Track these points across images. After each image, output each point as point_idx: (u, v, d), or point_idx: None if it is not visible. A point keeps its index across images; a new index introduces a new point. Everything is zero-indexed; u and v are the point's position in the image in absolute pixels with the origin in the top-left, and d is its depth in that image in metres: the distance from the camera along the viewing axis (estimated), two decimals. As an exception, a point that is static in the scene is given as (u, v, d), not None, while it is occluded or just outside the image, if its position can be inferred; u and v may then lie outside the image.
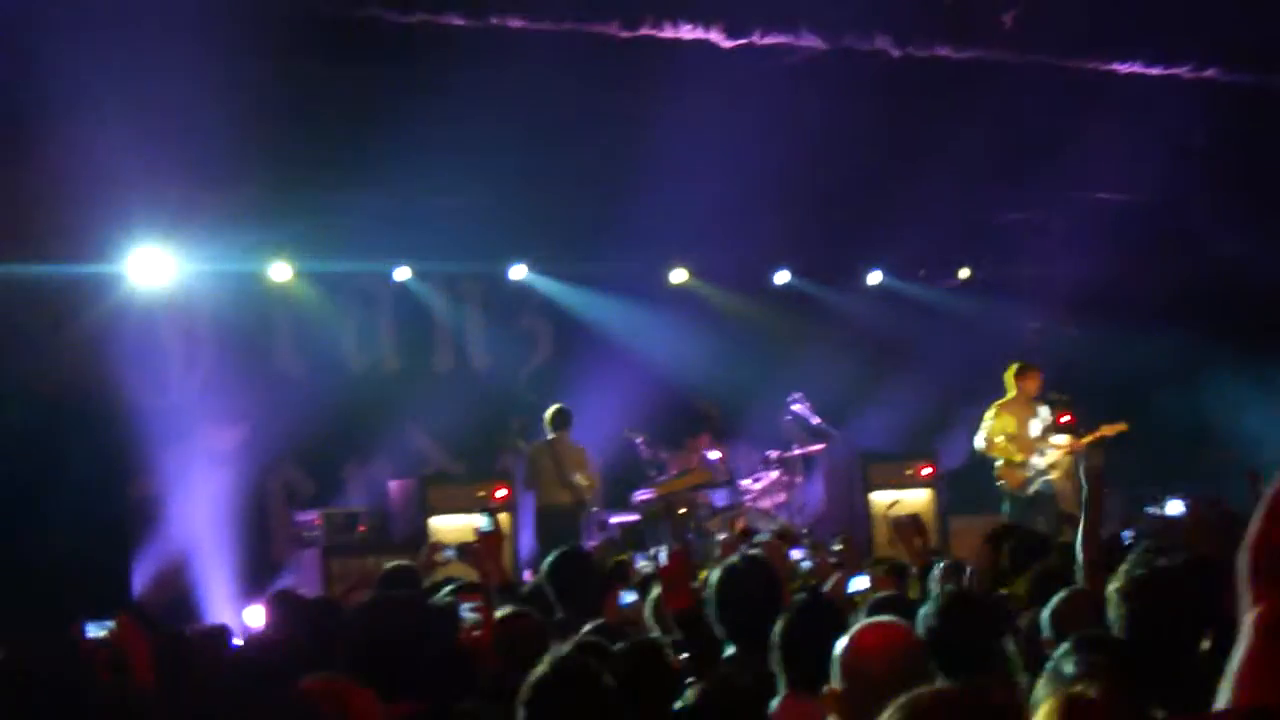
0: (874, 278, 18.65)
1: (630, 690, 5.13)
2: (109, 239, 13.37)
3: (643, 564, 9.67)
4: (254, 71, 12.40)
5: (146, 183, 13.28)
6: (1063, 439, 14.60)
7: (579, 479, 15.44)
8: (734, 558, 6.73)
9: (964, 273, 18.85)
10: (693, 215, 16.08)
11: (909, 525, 9.03)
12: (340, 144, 13.70)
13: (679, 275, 17.76)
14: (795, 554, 10.13)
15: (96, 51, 11.19)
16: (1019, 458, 14.76)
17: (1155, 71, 13.98)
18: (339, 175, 14.37)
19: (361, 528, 15.31)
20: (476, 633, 6.01)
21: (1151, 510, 13.25)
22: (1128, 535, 11.27)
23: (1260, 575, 2.50)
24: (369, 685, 4.82)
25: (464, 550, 8.16)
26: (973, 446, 15.48)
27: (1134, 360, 16.93)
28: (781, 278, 18.20)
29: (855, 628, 4.88)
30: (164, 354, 15.80)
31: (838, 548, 10.39)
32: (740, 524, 15.24)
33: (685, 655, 5.99)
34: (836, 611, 5.97)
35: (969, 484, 16.30)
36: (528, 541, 15.69)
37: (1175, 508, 9.42)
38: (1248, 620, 2.50)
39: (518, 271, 17.12)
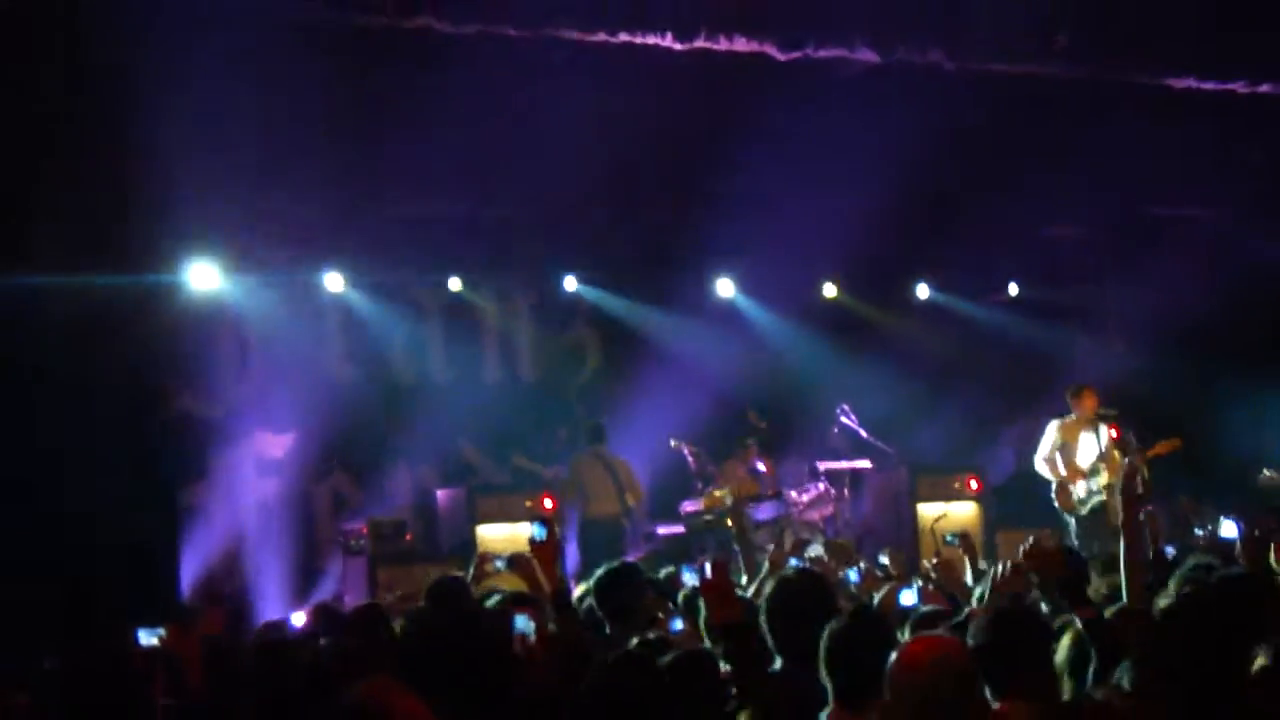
0: (922, 292, 18.60)
1: (678, 699, 5.12)
2: (166, 248, 13.48)
3: (688, 577, 9.65)
4: (309, 82, 12.46)
5: (202, 192, 13.39)
6: (1116, 455, 14.53)
7: (627, 492, 15.48)
8: (789, 570, 6.70)
9: (1013, 289, 18.75)
10: (744, 228, 16.13)
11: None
12: (394, 154, 13.75)
13: (726, 288, 17.74)
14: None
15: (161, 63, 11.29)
16: (1068, 479, 14.72)
17: (1209, 86, 13.92)
18: (393, 186, 14.43)
19: (409, 536, 15.33)
20: (531, 641, 6.02)
21: (1200, 531, 13.16)
22: (1171, 550, 11.22)
23: None
24: (418, 692, 4.84)
25: (514, 561, 8.11)
26: (1017, 461, 15.44)
27: (1189, 381, 16.79)
28: (830, 291, 18.16)
29: (906, 641, 4.86)
30: (217, 362, 15.90)
31: (885, 561, 10.36)
32: (788, 537, 15.22)
33: (730, 668, 5.98)
34: (885, 624, 5.95)
35: (1016, 498, 16.23)
36: (572, 553, 15.70)
37: (1229, 529, 9.31)
38: None
39: (569, 283, 17.17)
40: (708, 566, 6.69)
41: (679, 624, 7.66)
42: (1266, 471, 15.68)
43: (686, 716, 5.21)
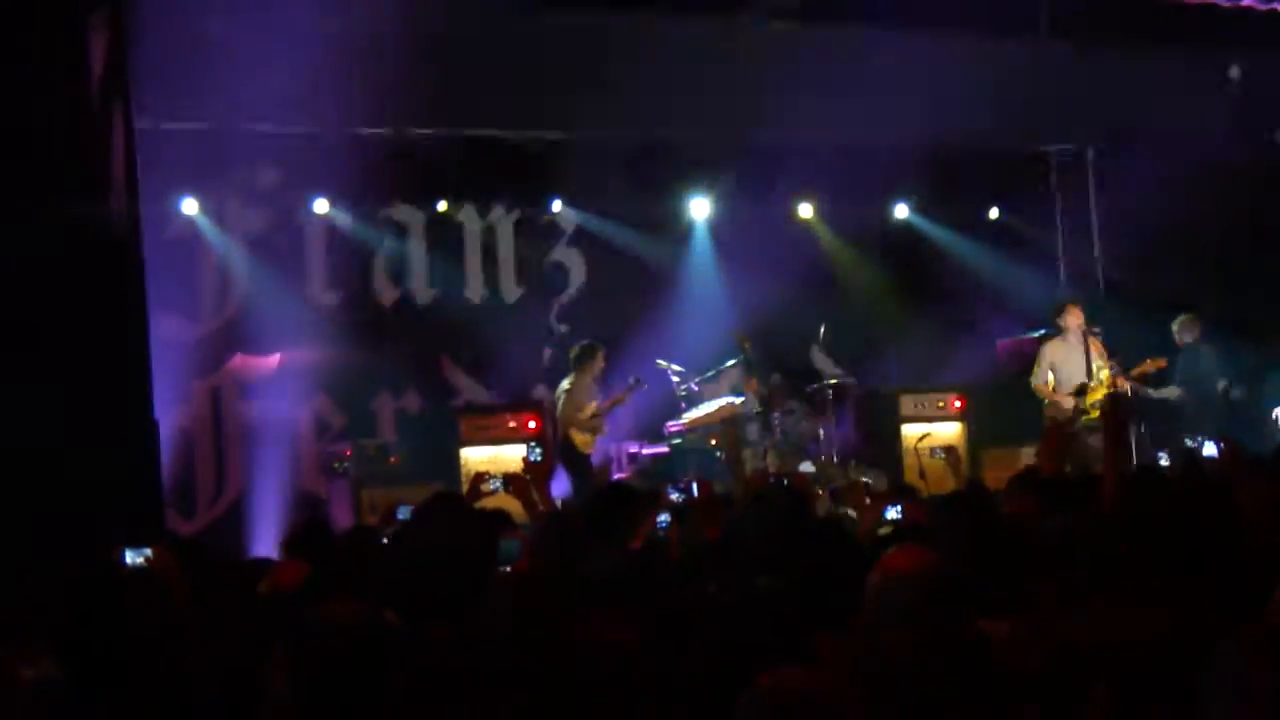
0: (900, 211, 18.61)
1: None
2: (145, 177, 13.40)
3: (674, 496, 9.67)
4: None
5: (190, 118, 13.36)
6: (1106, 375, 14.56)
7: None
8: (768, 488, 6.71)
9: (994, 212, 18.77)
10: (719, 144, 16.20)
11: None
12: (381, 79, 13.66)
13: (701, 208, 17.78)
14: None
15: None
16: (1058, 399, 14.75)
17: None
18: (370, 107, 14.38)
19: (393, 459, 15.36)
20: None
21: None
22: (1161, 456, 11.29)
23: None
24: (400, 607, 4.84)
25: (510, 480, 8.09)
26: (999, 379, 15.52)
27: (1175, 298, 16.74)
28: (805, 212, 18.18)
29: (886, 554, 4.84)
30: (197, 286, 15.89)
31: (869, 481, 10.40)
32: (772, 456, 15.27)
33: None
34: (859, 543, 5.95)
35: (1001, 417, 16.26)
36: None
37: (1209, 449, 9.40)
38: None
39: (554, 205, 17.21)
40: (694, 485, 6.71)
41: (663, 517, 7.68)
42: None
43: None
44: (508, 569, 6.21)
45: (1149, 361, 15.05)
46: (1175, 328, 15.85)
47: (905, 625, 4.52)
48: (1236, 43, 14.88)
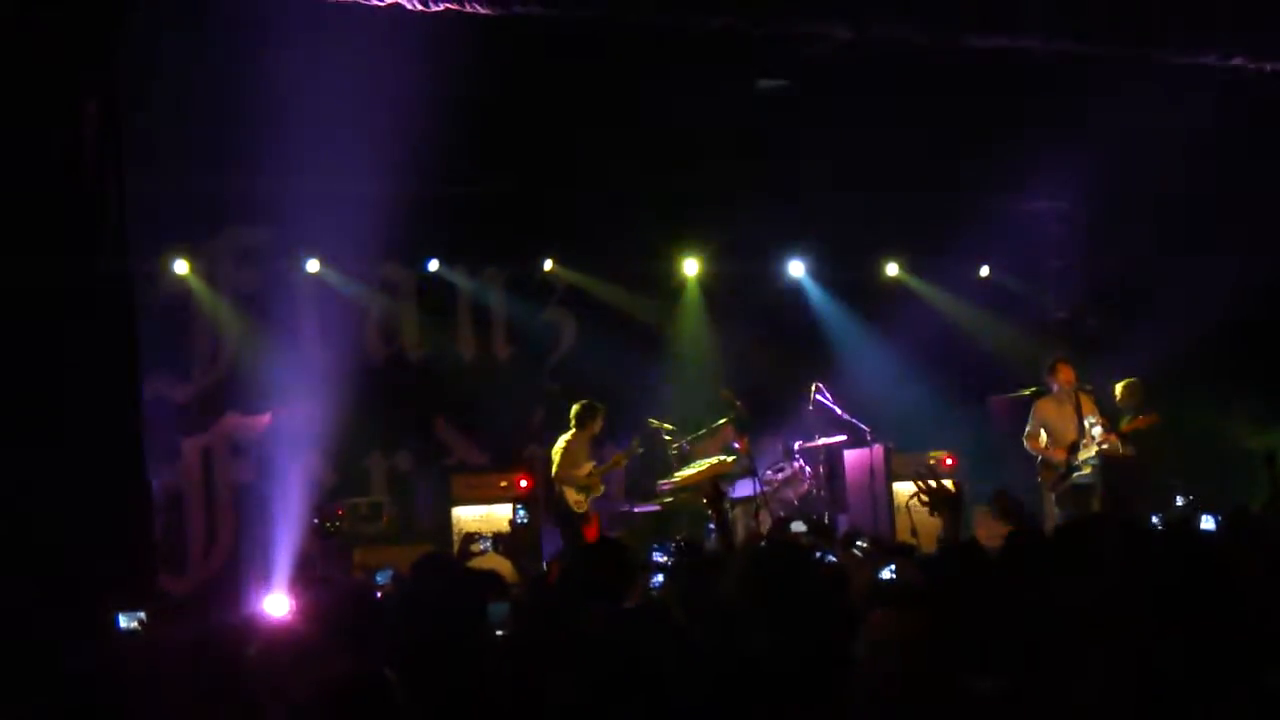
0: (891, 269, 18.71)
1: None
2: (137, 234, 13.45)
3: (660, 558, 9.58)
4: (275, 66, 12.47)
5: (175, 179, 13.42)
6: (1099, 431, 14.55)
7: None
8: (763, 545, 6.69)
9: (984, 270, 18.89)
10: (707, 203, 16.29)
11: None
12: (372, 140, 13.71)
13: (691, 267, 17.87)
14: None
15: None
16: (1051, 456, 14.74)
17: (1181, 61, 13.90)
18: (366, 166, 14.44)
19: (385, 518, 15.33)
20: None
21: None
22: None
23: None
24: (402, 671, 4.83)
25: (500, 541, 8.08)
26: (992, 435, 15.51)
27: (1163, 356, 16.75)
28: (796, 270, 18.28)
29: (874, 616, 4.83)
30: (189, 345, 15.91)
31: (863, 545, 10.37)
32: (764, 515, 15.25)
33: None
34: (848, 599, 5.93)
35: (993, 475, 16.24)
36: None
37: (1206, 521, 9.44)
38: None
39: (544, 264, 17.29)
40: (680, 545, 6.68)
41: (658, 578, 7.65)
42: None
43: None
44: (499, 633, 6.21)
45: (1140, 417, 15.06)
46: (1118, 390, 15.72)
47: (895, 687, 4.52)
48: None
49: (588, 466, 15.33)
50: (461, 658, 5.17)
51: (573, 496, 15.23)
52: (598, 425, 15.45)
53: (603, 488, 15.62)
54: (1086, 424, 14.61)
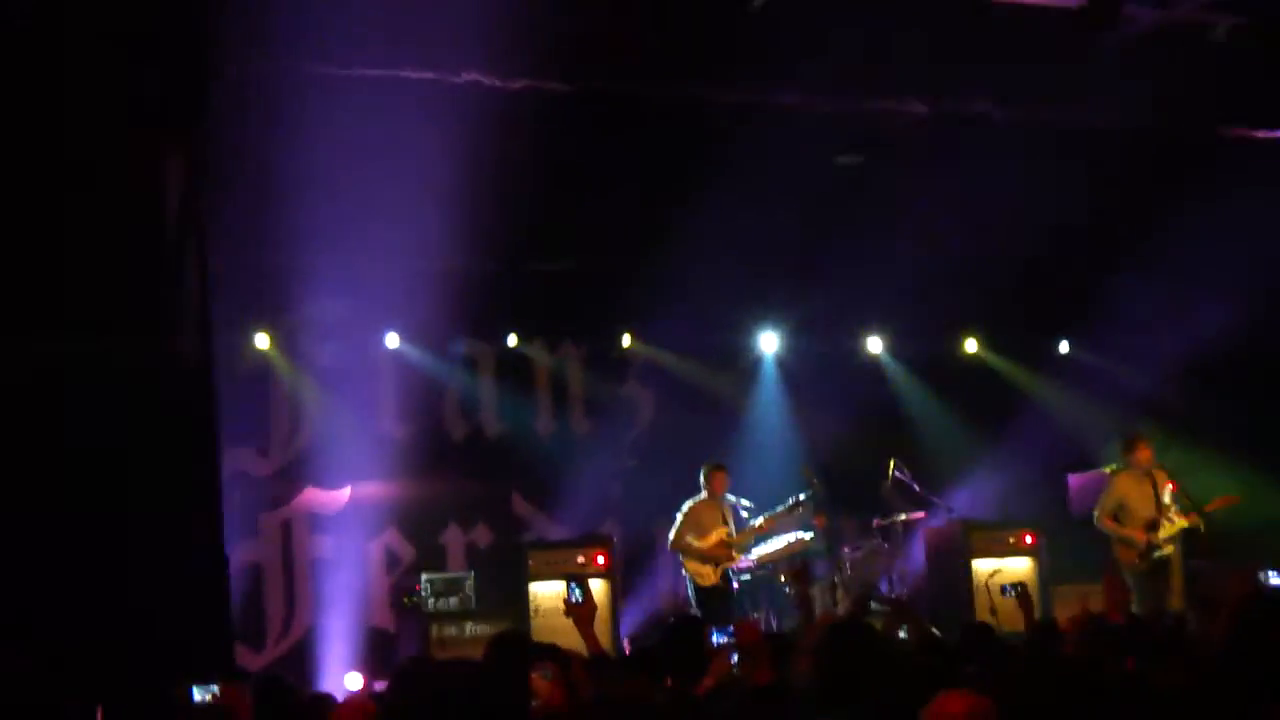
0: (970, 345, 18.67)
1: None
2: (217, 312, 13.61)
3: (719, 640, 9.46)
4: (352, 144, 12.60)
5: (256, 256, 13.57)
6: (1175, 510, 14.39)
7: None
8: (842, 621, 6.65)
9: (1064, 347, 18.81)
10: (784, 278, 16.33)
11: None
12: (450, 215, 13.81)
13: (770, 342, 17.88)
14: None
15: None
16: (1129, 535, 14.56)
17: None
18: (449, 245, 14.55)
19: (463, 594, 15.32)
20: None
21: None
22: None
23: None
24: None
25: (570, 611, 8.01)
26: (1073, 514, 15.34)
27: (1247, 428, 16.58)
28: (875, 347, 18.27)
29: (937, 698, 4.78)
30: (270, 419, 16.03)
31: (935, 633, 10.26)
32: (841, 594, 15.13)
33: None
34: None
35: (1072, 552, 16.07)
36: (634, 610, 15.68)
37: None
38: None
39: (623, 339, 17.33)
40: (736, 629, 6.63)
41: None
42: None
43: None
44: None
45: (1221, 499, 14.86)
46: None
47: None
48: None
49: (716, 535, 14.99)
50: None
51: (693, 568, 14.86)
52: (719, 484, 15.01)
53: (739, 557, 15.04)
54: (1164, 503, 14.45)
